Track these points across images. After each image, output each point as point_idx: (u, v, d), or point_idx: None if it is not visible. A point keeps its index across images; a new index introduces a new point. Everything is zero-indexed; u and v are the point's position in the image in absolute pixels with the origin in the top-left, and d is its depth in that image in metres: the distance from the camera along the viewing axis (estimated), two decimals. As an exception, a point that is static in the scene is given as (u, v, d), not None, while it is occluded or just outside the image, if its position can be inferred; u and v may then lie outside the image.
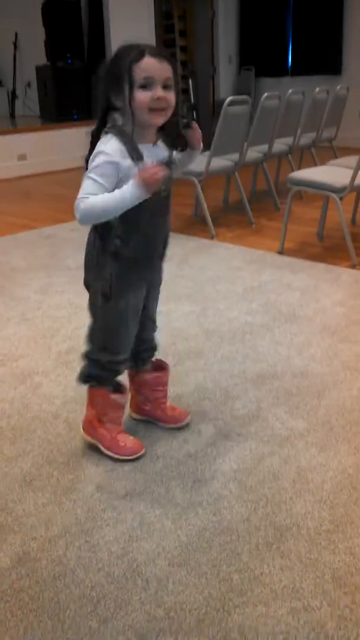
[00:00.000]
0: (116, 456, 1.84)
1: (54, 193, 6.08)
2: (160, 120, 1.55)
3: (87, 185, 1.53)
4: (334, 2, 8.10)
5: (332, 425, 1.99)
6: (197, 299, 3.09)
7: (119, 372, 1.85)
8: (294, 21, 8.65)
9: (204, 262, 3.70)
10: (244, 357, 2.47)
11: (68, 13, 7.60)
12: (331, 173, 3.73)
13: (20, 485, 1.76)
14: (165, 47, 9.47)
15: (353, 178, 3.47)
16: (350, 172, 3.53)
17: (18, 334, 2.75)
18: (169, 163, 1.64)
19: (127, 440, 1.87)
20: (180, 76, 9.11)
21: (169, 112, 1.55)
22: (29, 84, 8.85)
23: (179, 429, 1.98)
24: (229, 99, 4.24)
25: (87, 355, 1.83)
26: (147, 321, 1.86)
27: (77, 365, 2.42)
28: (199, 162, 4.39)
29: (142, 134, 1.58)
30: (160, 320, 1.94)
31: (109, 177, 1.53)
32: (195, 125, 1.65)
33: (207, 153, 4.36)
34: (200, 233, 4.29)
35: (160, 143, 1.64)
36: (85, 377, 1.85)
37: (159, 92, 1.49)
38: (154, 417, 2.00)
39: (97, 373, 1.82)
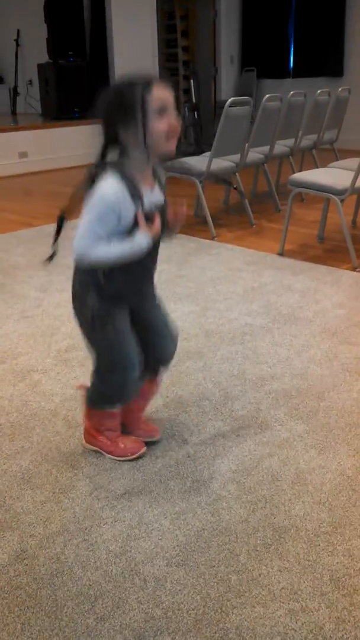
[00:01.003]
0: (118, 458, 1.84)
1: (54, 191, 6.07)
2: (174, 146, 1.54)
3: (86, 230, 1.53)
4: (336, 4, 8.10)
5: (331, 427, 1.99)
6: (198, 300, 3.09)
7: (124, 401, 1.82)
8: (296, 23, 8.65)
9: (204, 262, 3.70)
10: (244, 358, 2.47)
11: (70, 11, 7.58)
12: (332, 175, 3.73)
13: (19, 482, 1.76)
14: (167, 47, 9.48)
15: (354, 180, 3.47)
16: (351, 175, 3.53)
17: (18, 332, 2.75)
18: (164, 207, 1.64)
19: (127, 441, 1.87)
20: (182, 78, 9.12)
21: (177, 137, 1.54)
22: (30, 82, 8.83)
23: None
24: (230, 99, 4.25)
25: (92, 378, 1.81)
26: (158, 335, 1.80)
27: (77, 363, 2.43)
28: (201, 162, 4.40)
29: (142, 175, 1.56)
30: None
31: (108, 224, 1.52)
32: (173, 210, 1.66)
33: (208, 153, 4.36)
34: (201, 233, 4.29)
35: (156, 186, 1.62)
36: (89, 401, 1.85)
37: (173, 118, 1.49)
38: (126, 426, 1.92)
39: (100, 399, 1.81)
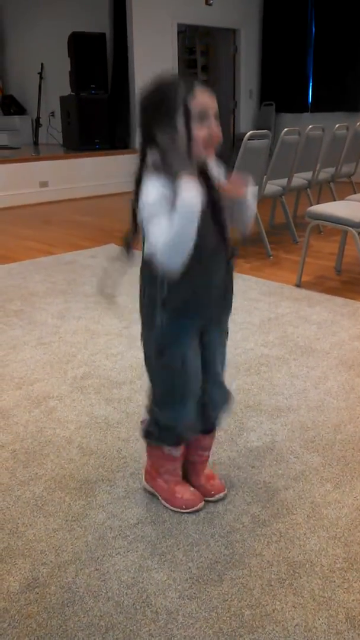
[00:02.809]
0: (173, 509, 1.74)
1: (74, 220, 6.15)
2: (213, 153, 1.47)
3: (153, 232, 1.39)
4: (355, 39, 8.23)
5: (347, 461, 1.97)
6: (213, 329, 3.09)
7: (182, 437, 1.70)
8: (315, 58, 8.78)
9: (220, 292, 3.70)
10: (260, 389, 2.46)
11: (93, 45, 7.78)
12: (350, 208, 3.75)
13: (32, 509, 1.75)
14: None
15: (372, 214, 3.48)
16: (369, 208, 3.54)
17: (34, 358, 2.76)
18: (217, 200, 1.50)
19: (185, 492, 1.76)
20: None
21: (217, 145, 1.47)
22: (52, 113, 9.03)
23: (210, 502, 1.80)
24: (249, 133, 4.30)
25: (148, 411, 1.72)
26: (210, 378, 1.69)
27: (92, 390, 2.44)
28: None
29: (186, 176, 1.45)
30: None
31: (163, 205, 1.40)
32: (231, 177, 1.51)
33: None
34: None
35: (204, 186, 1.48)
36: (145, 433, 1.75)
37: (214, 125, 1.42)
38: (188, 480, 1.82)
39: (157, 432, 1.70)
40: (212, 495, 1.79)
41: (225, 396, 1.77)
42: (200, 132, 1.41)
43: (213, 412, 1.74)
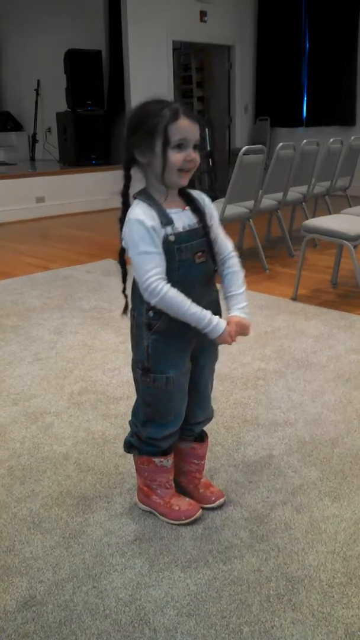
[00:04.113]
0: (173, 522, 1.73)
1: (70, 235, 6.17)
2: (187, 180, 1.52)
3: (145, 261, 1.47)
4: (349, 54, 8.31)
5: (345, 475, 1.96)
6: (210, 343, 3.09)
7: (161, 449, 1.71)
8: (309, 73, 8.87)
9: (217, 306, 3.71)
10: (257, 403, 2.46)
11: (90, 62, 7.84)
12: (345, 221, 3.76)
13: (29, 526, 1.74)
14: (182, 97, 9.72)
15: (367, 227, 3.50)
16: (364, 221, 3.56)
17: (31, 374, 2.76)
18: (200, 228, 1.57)
19: (182, 504, 1.75)
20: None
21: (193, 171, 1.52)
22: (49, 129, 9.08)
23: (223, 509, 1.80)
24: (244, 148, 4.33)
25: (131, 426, 1.76)
26: (196, 396, 1.71)
27: (89, 406, 2.43)
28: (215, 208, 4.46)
29: (172, 199, 1.53)
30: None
31: (154, 240, 1.48)
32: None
33: (222, 200, 4.42)
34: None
35: (187, 208, 1.57)
36: (128, 447, 1.77)
37: (192, 153, 1.47)
38: (186, 492, 1.82)
39: (138, 444, 1.73)
40: (213, 502, 1.80)
41: (208, 415, 1.80)
42: (175, 157, 1.46)
43: (195, 427, 1.78)
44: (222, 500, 1.81)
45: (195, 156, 1.48)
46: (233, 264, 1.65)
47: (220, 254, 1.64)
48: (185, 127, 1.45)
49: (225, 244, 1.64)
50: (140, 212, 1.49)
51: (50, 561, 1.60)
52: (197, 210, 1.58)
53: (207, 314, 1.52)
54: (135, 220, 1.48)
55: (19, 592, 1.50)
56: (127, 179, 1.53)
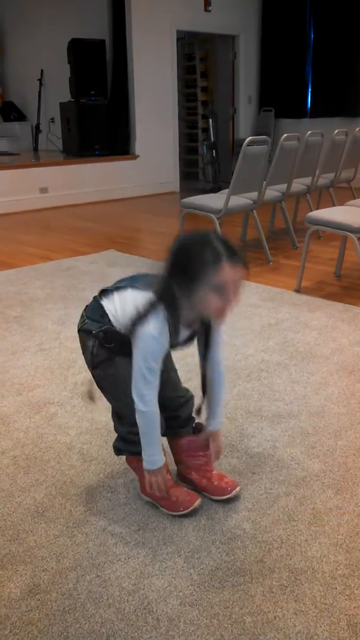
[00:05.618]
0: (173, 513, 1.73)
1: (73, 226, 6.16)
2: (223, 320, 1.59)
3: (149, 379, 1.56)
4: (354, 45, 8.26)
5: (348, 467, 1.97)
6: (214, 335, 3.09)
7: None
8: (314, 64, 8.82)
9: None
10: (260, 394, 2.46)
11: (93, 52, 7.80)
12: (349, 213, 3.75)
13: (33, 516, 1.75)
14: (186, 87, 9.68)
15: (372, 219, 3.49)
16: (368, 214, 3.55)
17: (35, 364, 2.76)
18: (194, 335, 1.69)
19: (180, 494, 1.75)
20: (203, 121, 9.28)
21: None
22: (52, 120, 9.05)
23: (227, 500, 1.80)
24: (248, 139, 4.32)
25: (115, 430, 1.81)
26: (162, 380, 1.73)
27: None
28: (219, 199, 4.45)
29: (188, 322, 1.59)
30: (176, 355, 1.91)
31: (162, 355, 1.57)
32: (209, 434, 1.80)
33: (226, 191, 4.41)
34: (218, 269, 4.31)
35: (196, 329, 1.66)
36: (117, 451, 1.83)
37: (233, 303, 1.48)
38: (199, 487, 1.83)
39: (122, 445, 1.79)
40: (230, 492, 1.80)
41: (182, 393, 1.86)
42: (213, 302, 1.48)
43: (179, 412, 1.83)
44: (237, 489, 1.82)
45: (236, 301, 1.49)
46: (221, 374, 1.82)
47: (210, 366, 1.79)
48: (228, 277, 1.44)
49: (217, 357, 1.79)
50: (156, 329, 1.52)
51: (54, 550, 1.61)
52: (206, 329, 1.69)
53: (159, 450, 1.66)
54: (151, 337, 1.53)
55: (23, 581, 1.51)
56: (152, 307, 1.53)
